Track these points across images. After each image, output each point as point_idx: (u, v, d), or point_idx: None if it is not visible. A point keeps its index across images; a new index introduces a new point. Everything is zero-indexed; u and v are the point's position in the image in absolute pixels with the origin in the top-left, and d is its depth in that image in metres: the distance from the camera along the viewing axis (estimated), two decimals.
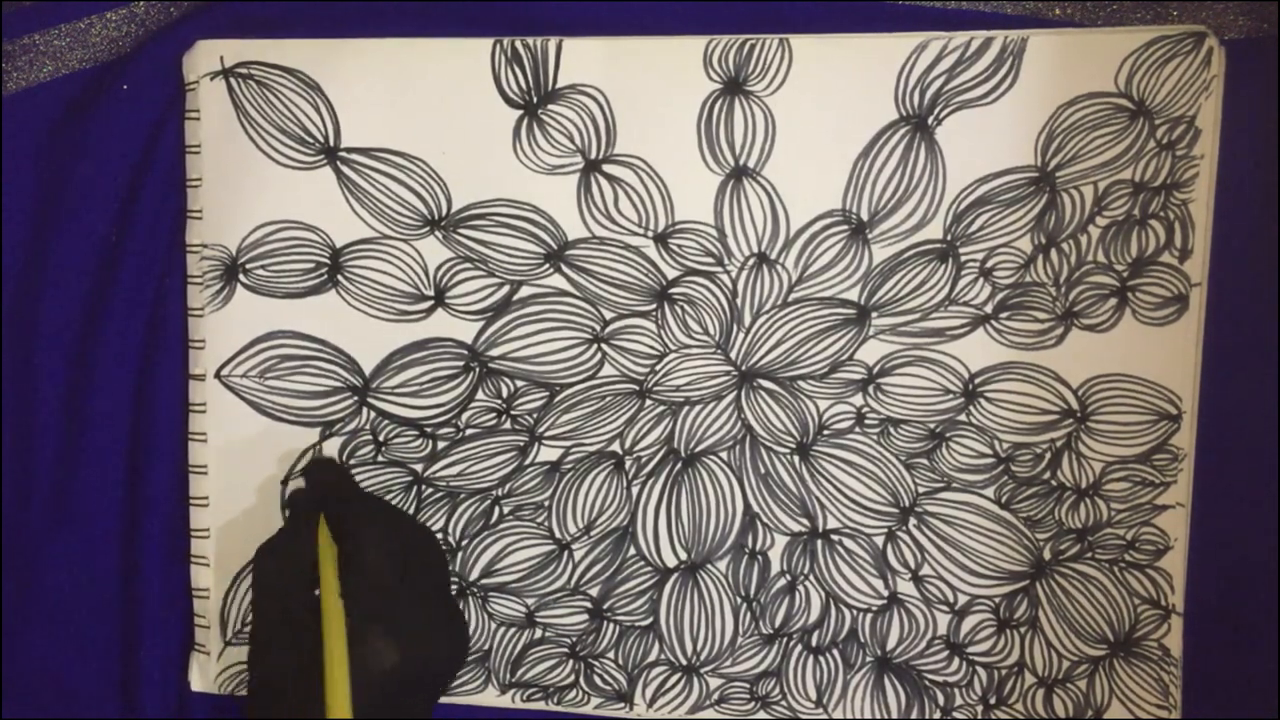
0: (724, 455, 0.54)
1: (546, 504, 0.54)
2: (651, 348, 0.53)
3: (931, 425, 0.52)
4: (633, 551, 0.54)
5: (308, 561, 0.49)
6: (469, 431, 0.54)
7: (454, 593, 0.54)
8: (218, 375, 0.54)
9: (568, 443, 0.54)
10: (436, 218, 0.53)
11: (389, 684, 0.47)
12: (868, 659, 0.54)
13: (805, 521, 0.54)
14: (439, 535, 0.54)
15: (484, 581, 0.55)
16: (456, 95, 0.52)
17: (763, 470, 0.53)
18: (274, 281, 0.54)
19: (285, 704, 0.47)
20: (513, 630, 0.55)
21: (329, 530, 0.50)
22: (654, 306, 0.53)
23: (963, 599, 0.53)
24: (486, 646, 0.55)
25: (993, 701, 0.54)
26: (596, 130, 0.52)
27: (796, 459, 0.53)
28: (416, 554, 0.51)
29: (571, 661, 0.55)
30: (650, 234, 0.52)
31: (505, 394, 0.54)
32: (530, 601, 0.55)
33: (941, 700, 0.54)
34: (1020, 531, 0.53)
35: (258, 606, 0.50)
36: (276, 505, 0.55)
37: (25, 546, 0.56)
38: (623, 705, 0.55)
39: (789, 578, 0.54)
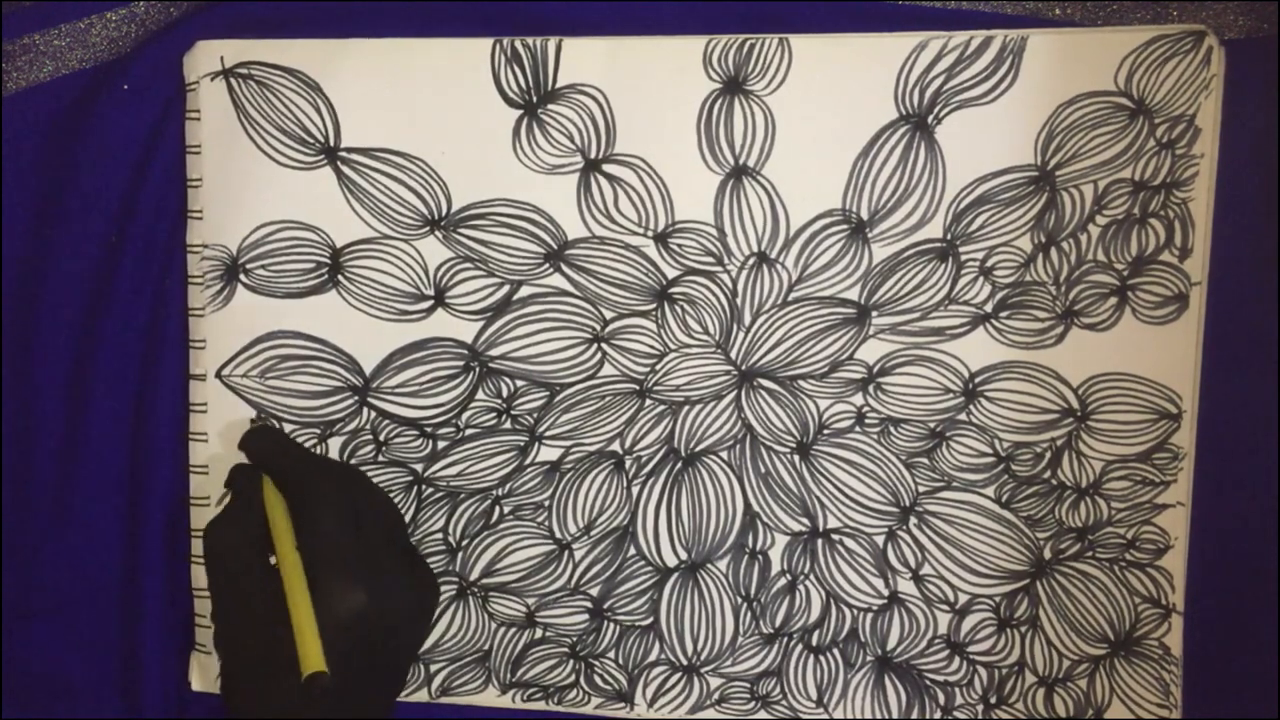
0: (724, 455, 0.54)
1: (546, 504, 0.54)
2: (651, 347, 0.53)
3: (932, 424, 0.52)
4: (633, 551, 0.54)
5: (258, 526, 0.47)
6: (469, 431, 0.54)
7: (414, 543, 0.53)
8: (218, 375, 0.54)
9: (568, 442, 0.54)
10: (436, 218, 0.53)
11: (359, 628, 0.45)
12: (868, 658, 0.54)
13: (805, 521, 0.54)
14: (439, 535, 0.54)
15: (484, 581, 0.55)
16: (456, 95, 0.52)
17: (763, 470, 0.53)
18: (274, 281, 0.54)
19: (258, 671, 0.45)
20: (513, 630, 0.55)
21: (276, 493, 0.48)
22: (654, 306, 0.53)
23: (963, 598, 0.53)
24: (486, 646, 0.55)
25: (993, 701, 0.54)
26: (596, 130, 0.52)
27: (797, 458, 0.53)
28: (368, 506, 0.49)
29: (572, 661, 0.55)
30: (650, 233, 0.52)
31: (505, 394, 0.54)
32: (530, 601, 0.55)
33: (942, 700, 0.54)
34: (1020, 531, 0.53)
35: (214, 582, 0.47)
36: None
37: (25, 546, 0.56)
38: (623, 705, 0.55)
39: (789, 577, 0.54)
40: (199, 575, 0.55)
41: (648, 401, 0.53)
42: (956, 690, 0.54)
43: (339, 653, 0.44)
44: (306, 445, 0.54)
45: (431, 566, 0.54)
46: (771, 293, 0.52)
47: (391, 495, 0.54)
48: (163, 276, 0.54)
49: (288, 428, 0.54)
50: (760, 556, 0.54)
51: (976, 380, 0.52)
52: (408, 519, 0.54)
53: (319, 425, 0.54)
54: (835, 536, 0.54)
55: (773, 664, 0.54)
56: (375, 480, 0.54)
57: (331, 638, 0.44)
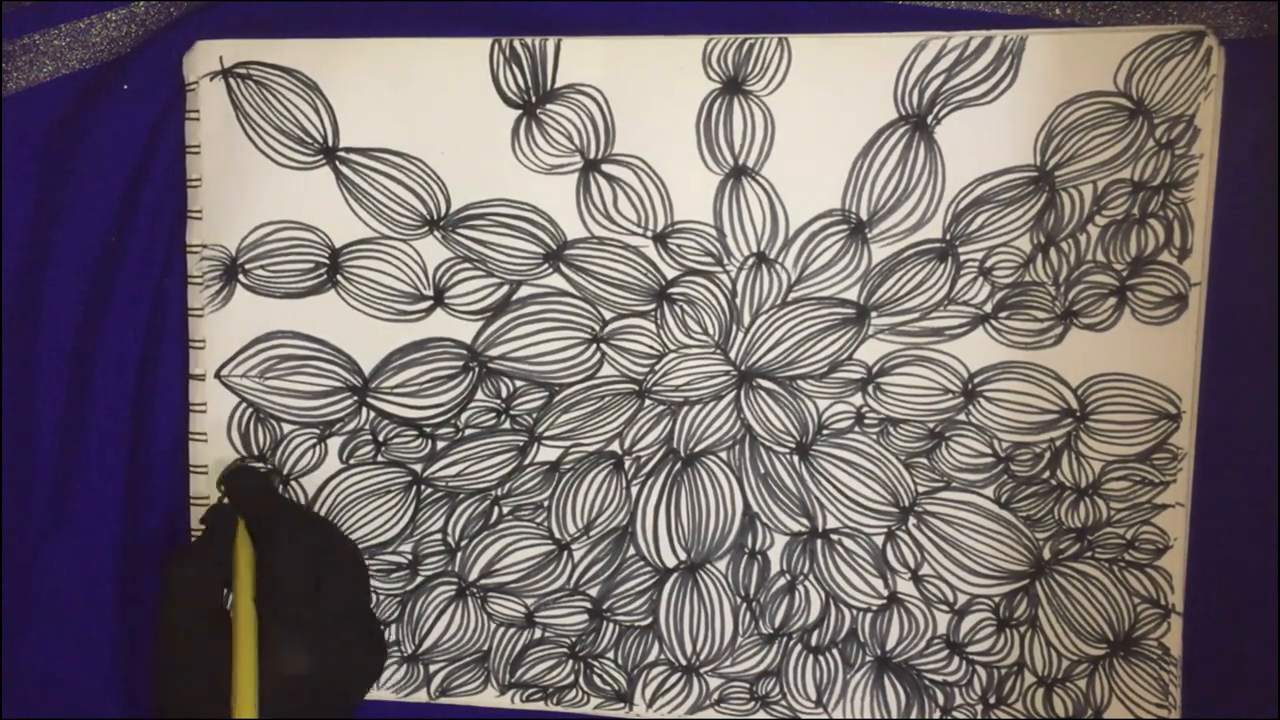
0: (723, 455, 0.54)
1: (546, 504, 0.54)
2: (651, 347, 0.53)
3: (931, 425, 0.52)
4: (632, 551, 0.54)
5: (221, 569, 0.48)
6: (468, 431, 0.54)
7: (374, 607, 0.54)
8: (218, 375, 0.54)
9: (567, 443, 0.54)
10: (435, 218, 0.53)
11: (298, 692, 0.46)
12: (867, 658, 0.54)
13: (805, 521, 0.54)
14: (438, 535, 0.54)
15: (483, 581, 0.55)
16: (455, 95, 0.52)
17: (762, 470, 0.53)
18: (274, 281, 0.54)
19: (189, 711, 0.46)
20: (512, 630, 0.55)
21: (248, 540, 0.49)
22: (653, 306, 0.53)
23: (962, 598, 0.53)
24: (486, 646, 0.55)
25: (992, 701, 0.54)
26: (595, 130, 0.52)
27: (796, 459, 0.53)
28: (334, 566, 0.50)
29: (571, 661, 0.55)
30: (649, 234, 0.52)
31: (505, 394, 0.54)
32: (530, 601, 0.55)
33: (941, 700, 0.54)
34: (1020, 531, 0.53)
35: (164, 614, 0.47)
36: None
37: (25, 546, 0.56)
38: (622, 705, 0.55)
39: (789, 577, 0.54)
40: None
41: (647, 402, 0.53)
42: (956, 690, 0.54)
43: (273, 710, 0.45)
44: (281, 491, 0.54)
45: (383, 632, 0.55)
46: (771, 293, 0.52)
47: (391, 496, 0.54)
48: (162, 276, 0.54)
49: (287, 428, 0.54)
50: (759, 557, 0.54)
51: (976, 380, 0.52)
52: (406, 519, 0.54)
53: (318, 425, 0.54)
54: (834, 537, 0.54)
55: (772, 664, 0.54)
56: (370, 479, 0.54)
57: (269, 695, 0.45)
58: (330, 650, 0.47)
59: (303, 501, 0.54)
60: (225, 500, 0.52)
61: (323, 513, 0.54)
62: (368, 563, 0.54)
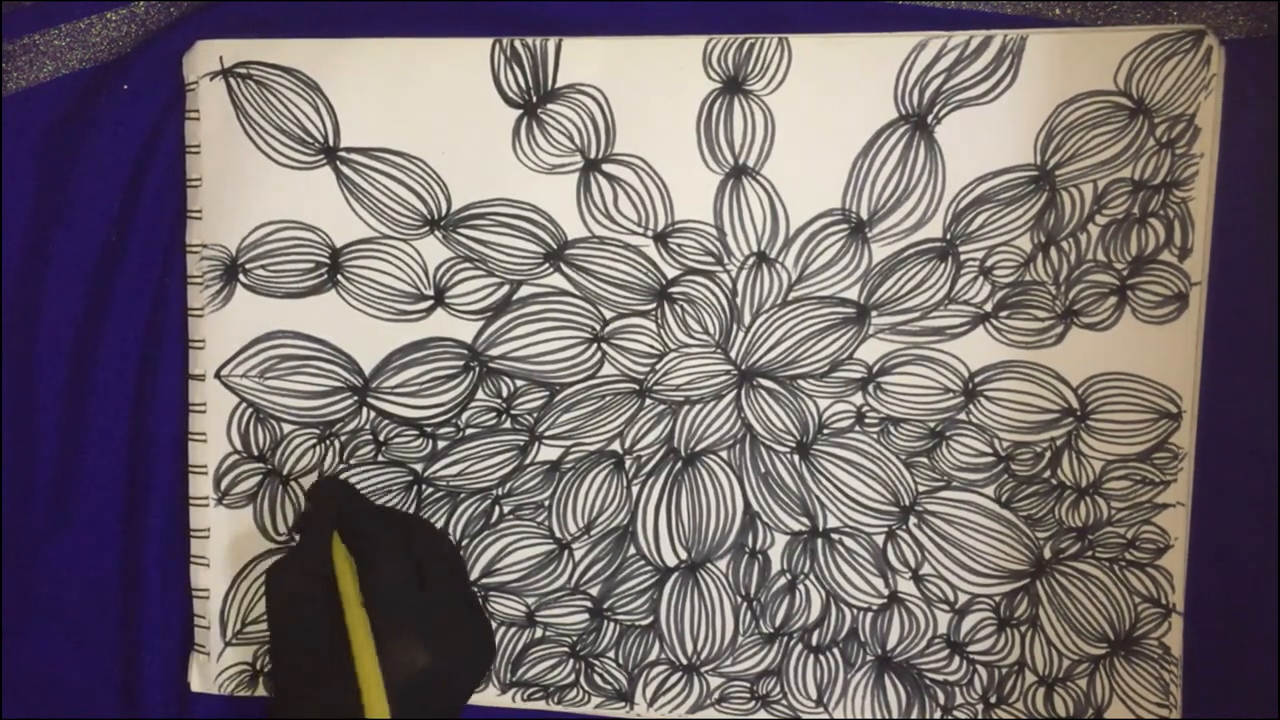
0: (724, 454, 0.54)
1: (546, 503, 0.54)
2: (651, 347, 0.53)
3: (931, 424, 0.52)
4: (633, 551, 0.54)
5: (322, 578, 0.48)
6: (469, 431, 0.54)
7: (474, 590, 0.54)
8: (218, 375, 0.54)
9: (568, 442, 0.54)
10: (436, 217, 0.53)
11: (420, 686, 0.46)
12: (868, 658, 0.54)
13: (805, 520, 0.54)
14: None
15: (484, 581, 0.55)
16: (456, 95, 0.52)
17: (763, 469, 0.53)
18: (274, 281, 0.54)
19: (318, 712, 0.46)
20: (513, 630, 0.55)
21: (343, 546, 0.49)
22: (654, 306, 0.53)
23: (963, 598, 0.53)
24: None
25: (993, 700, 0.54)
26: (596, 130, 0.52)
27: (796, 458, 0.53)
28: (432, 558, 0.50)
29: (572, 661, 0.55)
30: (650, 233, 0.52)
31: (505, 393, 0.54)
32: (530, 601, 0.55)
33: (942, 699, 0.54)
34: (1020, 530, 0.53)
35: (277, 625, 0.48)
36: (276, 505, 0.55)
37: (25, 546, 0.56)
38: (623, 705, 0.55)
39: (789, 577, 0.54)
40: (199, 575, 0.55)
41: (647, 401, 0.53)
42: (956, 690, 0.54)
43: (401, 709, 0.45)
44: (379, 499, 0.54)
45: (489, 620, 0.54)
46: (771, 292, 0.52)
47: (391, 496, 0.54)
48: (163, 276, 0.54)
49: (287, 428, 0.54)
50: (760, 556, 0.54)
51: (976, 380, 0.52)
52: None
53: (318, 425, 0.54)
54: (835, 536, 0.54)
55: (773, 663, 0.54)
56: (370, 479, 0.54)
57: (395, 695, 0.45)
58: (446, 641, 0.48)
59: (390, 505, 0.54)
60: (312, 509, 0.51)
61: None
62: None
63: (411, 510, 0.54)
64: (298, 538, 0.53)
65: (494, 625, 0.55)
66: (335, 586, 0.48)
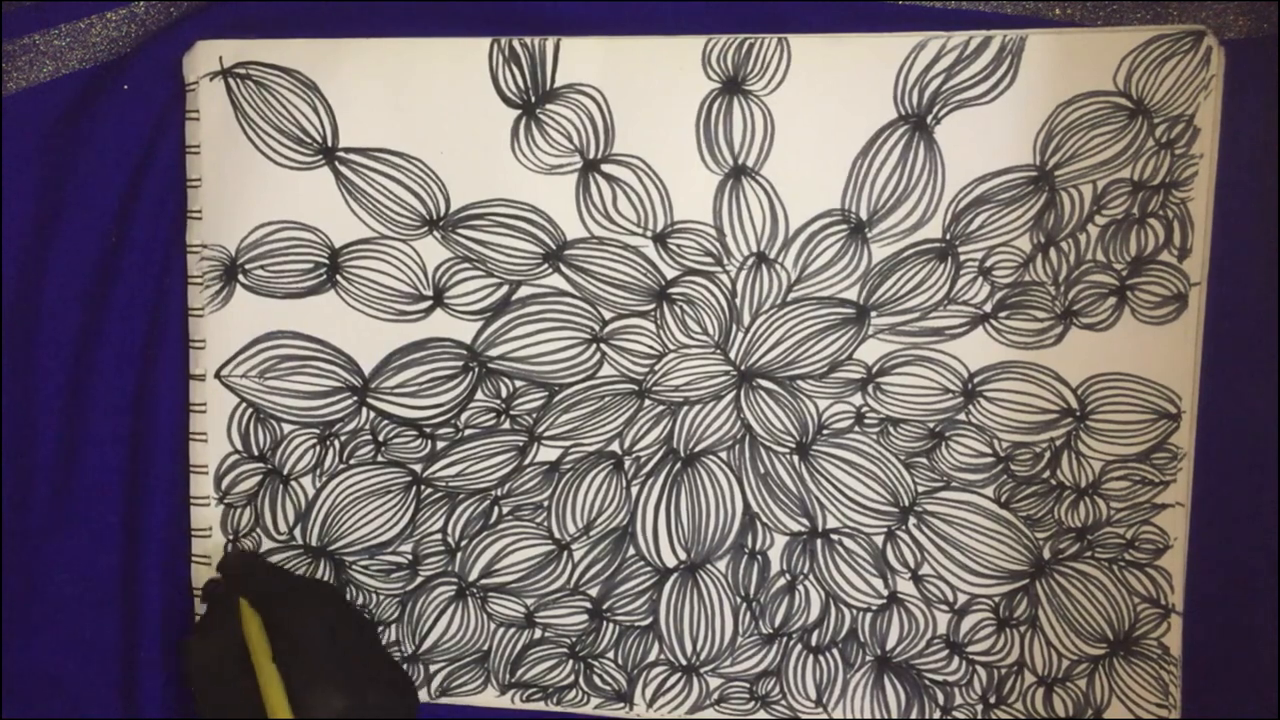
0: (723, 455, 0.54)
1: (546, 504, 0.54)
2: (650, 347, 0.53)
3: (931, 424, 0.52)
4: (632, 551, 0.54)
5: (236, 644, 0.50)
6: (468, 431, 0.54)
7: (375, 608, 0.55)
8: (218, 375, 0.54)
9: (567, 443, 0.54)
10: (435, 218, 0.53)
11: None
12: (867, 658, 0.54)
13: (805, 521, 0.54)
14: (438, 535, 0.54)
15: (483, 581, 0.55)
16: (454, 95, 0.52)
17: (762, 470, 0.53)
18: (273, 281, 0.54)
19: None
20: (512, 630, 0.55)
21: (253, 610, 0.51)
22: (653, 306, 0.53)
23: (962, 598, 0.53)
24: (486, 647, 0.55)
25: (992, 700, 0.54)
26: (595, 130, 0.52)
27: (796, 459, 0.53)
28: (341, 618, 0.51)
29: (571, 661, 0.55)
30: (649, 234, 0.52)
31: (504, 394, 0.54)
32: (530, 601, 0.55)
33: (941, 699, 0.54)
34: (1020, 531, 0.53)
35: (199, 695, 0.50)
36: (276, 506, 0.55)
37: (25, 546, 0.56)
38: (622, 705, 0.55)
39: (789, 577, 0.54)
40: (199, 575, 0.55)
41: (647, 402, 0.53)
42: (956, 690, 0.54)
43: None
44: (284, 565, 0.55)
45: (408, 673, 0.55)
46: (770, 293, 0.52)
47: (391, 496, 0.54)
48: (162, 276, 0.54)
49: (287, 428, 0.54)
50: (759, 557, 0.54)
51: (976, 380, 0.52)
52: (406, 519, 0.55)
53: (318, 425, 0.54)
54: (834, 537, 0.54)
55: (772, 664, 0.54)
56: (370, 479, 0.54)
57: None
58: (359, 688, 0.49)
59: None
60: (221, 580, 0.54)
61: (322, 514, 0.55)
62: (366, 564, 0.55)
63: (412, 509, 0.54)
64: (204, 608, 0.55)
65: (492, 627, 0.55)
66: (247, 651, 0.50)
